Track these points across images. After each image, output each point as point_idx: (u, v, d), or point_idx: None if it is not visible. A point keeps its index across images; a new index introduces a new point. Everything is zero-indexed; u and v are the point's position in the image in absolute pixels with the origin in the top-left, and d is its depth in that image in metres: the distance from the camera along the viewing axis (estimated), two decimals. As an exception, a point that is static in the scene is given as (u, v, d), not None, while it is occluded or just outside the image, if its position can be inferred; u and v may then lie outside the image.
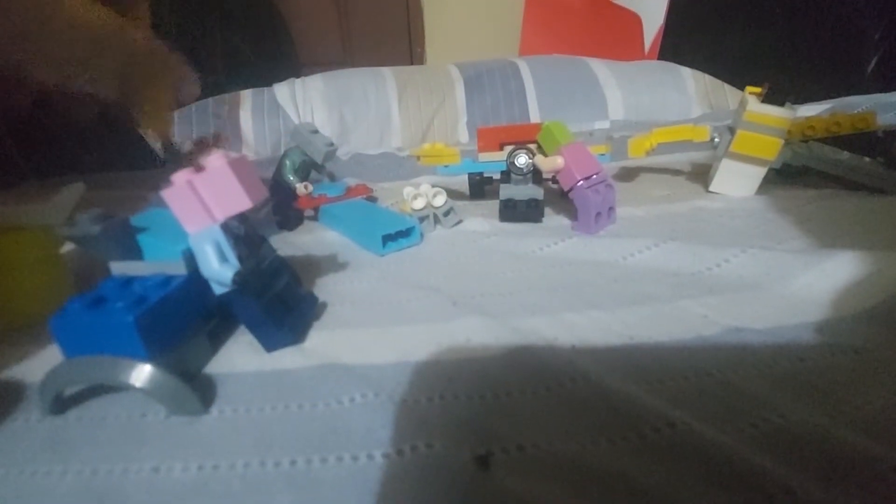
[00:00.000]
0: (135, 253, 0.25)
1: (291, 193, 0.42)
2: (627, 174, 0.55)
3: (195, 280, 0.24)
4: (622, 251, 0.35)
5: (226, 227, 0.24)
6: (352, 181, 0.47)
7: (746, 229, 0.38)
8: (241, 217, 0.26)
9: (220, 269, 0.23)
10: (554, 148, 0.41)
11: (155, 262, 0.24)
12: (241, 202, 0.23)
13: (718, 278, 0.31)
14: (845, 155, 0.44)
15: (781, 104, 0.44)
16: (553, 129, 0.41)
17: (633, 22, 1.24)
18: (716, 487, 0.17)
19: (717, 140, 0.47)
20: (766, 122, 0.43)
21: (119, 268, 0.24)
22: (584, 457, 0.19)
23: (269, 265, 0.27)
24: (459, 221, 0.43)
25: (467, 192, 0.51)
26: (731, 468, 0.17)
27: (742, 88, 0.47)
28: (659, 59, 1.18)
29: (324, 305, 0.30)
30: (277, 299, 0.26)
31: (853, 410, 0.20)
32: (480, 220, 0.43)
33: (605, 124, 0.94)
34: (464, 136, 0.91)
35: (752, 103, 0.44)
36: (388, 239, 0.38)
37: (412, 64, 1.26)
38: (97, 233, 0.23)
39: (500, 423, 0.21)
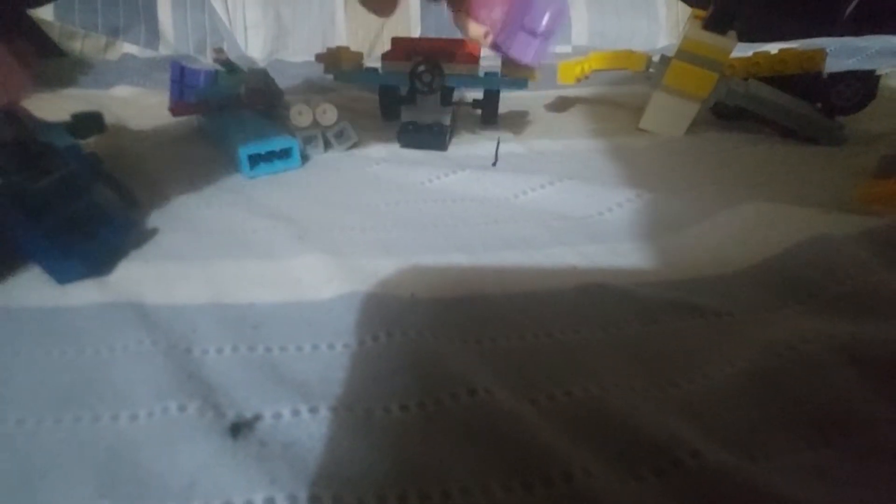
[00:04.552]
0: None
1: None
2: (562, 104, 0.50)
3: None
4: (515, 188, 0.31)
5: (-23, 129, 0.19)
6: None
7: (658, 172, 0.35)
8: (9, 118, 0.21)
9: (-37, 182, 0.19)
10: None
11: None
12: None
13: (606, 224, 0.28)
14: (783, 97, 0.40)
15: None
16: None
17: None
18: (489, 465, 0.15)
19: (651, 70, 0.42)
20: (703, 52, 0.38)
21: None
22: (366, 425, 0.16)
23: (57, 181, 0.22)
24: (355, 144, 0.38)
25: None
26: (515, 443, 0.15)
27: None
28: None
29: (153, 232, 0.26)
30: (70, 222, 0.22)
31: (686, 384, 0.18)
32: (379, 145, 0.38)
33: (567, 49, 0.87)
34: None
35: (692, 29, 0.39)
36: (258, 160, 0.33)
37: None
38: None
39: (291, 382, 0.18)
